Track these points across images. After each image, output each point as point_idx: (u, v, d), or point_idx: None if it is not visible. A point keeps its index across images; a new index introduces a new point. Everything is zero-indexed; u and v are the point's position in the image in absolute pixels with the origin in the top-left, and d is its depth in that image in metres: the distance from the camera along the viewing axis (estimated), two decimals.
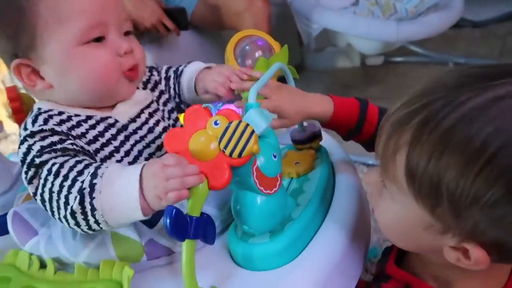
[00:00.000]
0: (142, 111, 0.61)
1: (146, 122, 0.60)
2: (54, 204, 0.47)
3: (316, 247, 0.50)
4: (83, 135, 0.55)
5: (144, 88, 0.65)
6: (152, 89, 0.66)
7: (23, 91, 0.76)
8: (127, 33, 0.57)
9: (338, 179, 0.60)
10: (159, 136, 0.60)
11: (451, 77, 0.40)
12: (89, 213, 0.45)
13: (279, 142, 0.51)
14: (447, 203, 0.37)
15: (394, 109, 0.42)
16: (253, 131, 0.43)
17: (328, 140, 0.71)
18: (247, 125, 0.43)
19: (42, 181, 0.48)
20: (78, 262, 0.52)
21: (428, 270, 0.49)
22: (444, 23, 1.51)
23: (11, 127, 1.03)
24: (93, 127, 0.56)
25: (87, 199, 0.45)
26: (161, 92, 0.67)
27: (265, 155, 0.47)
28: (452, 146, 0.36)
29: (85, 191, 0.45)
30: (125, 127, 0.58)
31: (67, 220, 0.47)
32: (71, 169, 0.47)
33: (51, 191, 0.47)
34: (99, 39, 0.54)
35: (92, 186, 0.45)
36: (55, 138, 0.51)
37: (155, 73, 0.68)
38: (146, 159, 0.59)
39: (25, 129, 0.53)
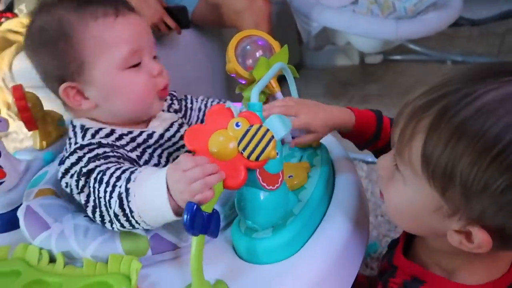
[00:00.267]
0: (172, 124, 0.69)
1: (178, 130, 0.68)
2: (103, 208, 0.50)
3: (317, 241, 0.51)
4: (127, 144, 0.62)
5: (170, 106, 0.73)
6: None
7: (27, 89, 0.78)
8: (155, 57, 0.64)
9: (338, 175, 0.62)
10: None
11: (473, 70, 0.43)
12: (129, 215, 0.48)
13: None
14: (459, 187, 0.39)
15: (413, 97, 0.44)
16: (272, 137, 0.44)
17: (328, 138, 0.72)
18: (267, 130, 0.44)
19: (91, 189, 0.52)
20: (86, 256, 0.53)
21: (433, 259, 0.51)
22: (443, 21, 1.52)
23: (11, 125, 1.05)
24: (133, 139, 0.63)
25: (125, 202, 0.48)
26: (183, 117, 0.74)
27: None
28: (468, 135, 0.38)
29: (122, 196, 0.48)
30: (161, 136, 0.66)
31: (113, 223, 0.50)
32: (111, 175, 0.51)
33: (98, 198, 0.51)
34: (136, 64, 0.60)
35: (127, 190, 0.48)
36: (101, 150, 0.56)
37: (175, 101, 0.75)
38: None
39: (76, 143, 0.59)
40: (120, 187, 0.49)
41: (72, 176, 0.56)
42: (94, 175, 0.52)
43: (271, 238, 0.50)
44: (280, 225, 0.51)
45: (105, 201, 0.50)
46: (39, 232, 0.57)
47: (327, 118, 0.61)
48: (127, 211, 0.48)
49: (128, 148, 0.62)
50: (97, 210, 0.52)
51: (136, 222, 0.48)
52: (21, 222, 0.59)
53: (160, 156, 0.65)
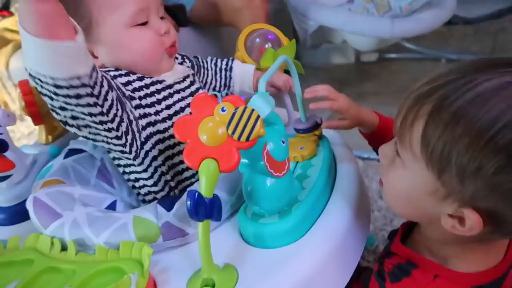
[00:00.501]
0: (184, 79, 0.70)
1: (188, 87, 0.70)
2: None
3: (321, 226, 0.53)
4: (130, 83, 0.63)
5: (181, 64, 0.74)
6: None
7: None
8: (162, 18, 0.65)
9: (339, 164, 0.64)
10: None
11: (474, 62, 0.45)
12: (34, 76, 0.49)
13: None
14: (454, 169, 0.42)
15: (417, 86, 0.46)
16: (258, 116, 0.45)
17: (330, 132, 0.75)
18: (253, 110, 0.45)
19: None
20: (99, 243, 0.55)
21: (428, 247, 0.53)
22: (437, 20, 1.55)
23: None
24: (140, 79, 0.64)
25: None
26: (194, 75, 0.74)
27: (274, 141, 0.50)
28: (465, 120, 0.41)
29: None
30: (170, 86, 0.67)
31: (54, 106, 0.52)
32: None
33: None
34: (144, 23, 0.62)
35: None
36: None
37: (186, 60, 0.76)
38: None
39: None
40: None
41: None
42: None
43: (277, 223, 0.52)
44: (286, 211, 0.53)
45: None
46: (50, 221, 0.58)
47: (360, 111, 0.66)
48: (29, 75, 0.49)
49: (134, 85, 0.63)
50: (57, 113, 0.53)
51: (40, 80, 0.48)
52: (31, 213, 0.60)
53: (169, 107, 0.66)
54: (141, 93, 0.64)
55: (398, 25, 1.51)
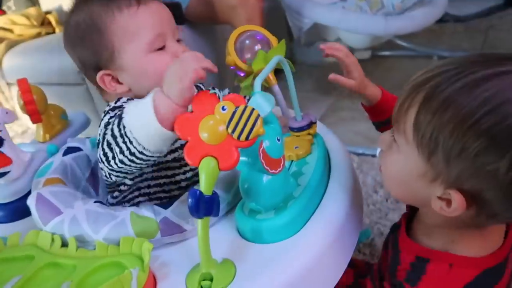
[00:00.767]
0: None
1: None
2: (109, 141, 0.55)
3: (316, 222, 0.55)
4: None
5: None
6: None
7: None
8: (178, 41, 0.68)
9: (333, 161, 0.66)
10: None
11: (471, 56, 0.48)
12: (123, 132, 0.52)
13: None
14: (441, 151, 0.45)
15: (415, 77, 0.50)
16: (258, 115, 0.46)
17: (322, 127, 0.76)
18: (253, 109, 0.46)
19: (106, 136, 0.56)
20: (98, 239, 0.56)
21: (429, 235, 0.56)
22: (429, 18, 1.57)
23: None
24: None
25: (121, 121, 0.53)
26: None
27: (270, 139, 0.51)
28: (454, 106, 0.44)
29: (121, 115, 0.54)
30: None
31: (115, 156, 0.55)
32: (116, 118, 0.56)
33: (107, 137, 0.56)
34: (161, 48, 0.65)
35: (123, 111, 0.55)
36: None
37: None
38: None
39: (109, 105, 0.65)
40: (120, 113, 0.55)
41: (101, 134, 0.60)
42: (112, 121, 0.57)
43: (274, 219, 0.53)
44: (281, 207, 0.54)
45: (109, 130, 0.55)
46: (51, 217, 0.59)
47: (365, 79, 0.69)
48: (121, 127, 0.53)
49: None
50: (105, 150, 0.56)
51: (130, 141, 0.52)
52: (33, 209, 0.61)
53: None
54: None
55: (391, 23, 1.54)
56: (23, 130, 2.24)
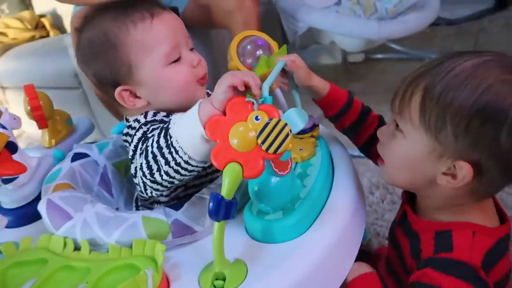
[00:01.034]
0: None
1: None
2: (153, 154, 0.57)
3: (323, 221, 0.57)
4: None
5: None
6: None
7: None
8: (191, 49, 0.68)
9: (336, 162, 0.68)
10: None
11: (459, 51, 0.56)
12: (169, 143, 0.54)
13: None
14: (450, 128, 0.52)
15: (414, 70, 0.56)
16: (290, 131, 0.46)
17: (325, 130, 0.78)
18: (286, 124, 0.46)
19: (150, 148, 0.57)
20: (111, 242, 0.58)
21: (434, 218, 0.60)
22: (422, 22, 1.60)
23: None
24: None
25: (168, 132, 0.55)
26: None
27: None
28: (455, 89, 0.51)
29: (167, 127, 0.56)
30: None
31: (160, 168, 0.56)
32: (161, 130, 0.58)
33: (151, 146, 0.57)
34: (177, 59, 0.65)
35: (169, 121, 0.57)
36: (162, 124, 0.63)
37: None
38: None
39: (138, 121, 0.66)
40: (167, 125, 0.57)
41: (137, 148, 0.61)
42: (154, 135, 0.59)
43: (283, 219, 0.55)
44: (289, 208, 0.56)
45: (154, 142, 0.56)
46: (62, 222, 0.61)
47: (311, 73, 0.71)
48: (168, 137, 0.54)
49: None
50: (149, 162, 0.57)
51: (176, 151, 0.53)
52: (44, 214, 0.62)
53: None
54: None
55: (385, 27, 1.56)
56: (18, 134, 2.23)
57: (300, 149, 0.67)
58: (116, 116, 1.47)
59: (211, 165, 0.68)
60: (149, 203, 0.73)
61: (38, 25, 2.53)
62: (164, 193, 0.69)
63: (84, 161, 0.76)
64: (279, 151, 0.47)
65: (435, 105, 0.52)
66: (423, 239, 0.59)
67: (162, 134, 0.56)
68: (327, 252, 0.54)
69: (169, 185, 0.61)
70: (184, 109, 0.67)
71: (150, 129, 0.63)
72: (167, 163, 0.55)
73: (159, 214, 0.59)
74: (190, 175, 0.58)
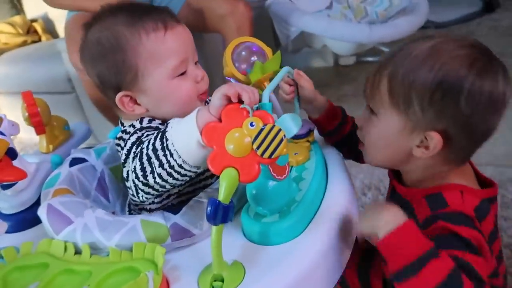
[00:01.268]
0: None
1: None
2: (148, 156, 0.58)
3: (318, 223, 0.59)
4: None
5: None
6: None
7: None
8: (196, 63, 0.69)
9: (330, 165, 0.70)
10: None
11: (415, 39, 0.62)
12: (165, 145, 0.55)
13: None
14: (416, 104, 0.57)
15: (379, 61, 0.63)
16: (284, 136, 0.48)
17: (318, 135, 0.80)
18: (280, 130, 0.48)
19: (144, 150, 0.58)
20: (111, 246, 0.59)
21: (423, 184, 0.63)
22: (412, 26, 1.63)
23: None
24: None
25: (164, 135, 0.56)
26: None
27: None
28: (417, 68, 0.57)
29: (164, 130, 0.57)
30: None
31: (154, 171, 0.57)
32: (158, 133, 0.59)
33: (147, 148, 0.58)
34: (183, 73, 0.66)
35: (167, 125, 0.58)
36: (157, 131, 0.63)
37: None
38: None
39: (134, 127, 0.67)
40: (163, 131, 0.58)
41: (130, 152, 0.62)
42: (147, 139, 0.60)
43: (279, 222, 0.56)
44: (285, 211, 0.58)
45: (150, 144, 0.57)
46: (63, 227, 0.62)
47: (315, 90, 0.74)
48: (164, 140, 0.55)
49: None
50: (143, 164, 0.58)
51: (171, 154, 0.55)
52: (44, 219, 0.63)
53: None
54: None
55: (376, 31, 1.59)
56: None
57: (295, 153, 0.69)
58: (112, 121, 1.48)
59: (205, 171, 0.71)
60: (139, 209, 0.73)
61: (29, 30, 2.53)
62: (156, 200, 0.70)
63: (82, 166, 0.77)
64: (274, 156, 0.48)
65: (400, 86, 0.58)
66: (415, 205, 0.61)
67: (159, 137, 0.57)
68: (322, 252, 0.56)
69: (160, 189, 0.61)
70: None
71: (145, 134, 0.64)
72: (161, 165, 0.56)
73: (158, 218, 0.60)
74: (182, 180, 0.59)
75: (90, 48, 0.67)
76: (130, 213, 0.76)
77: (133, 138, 0.64)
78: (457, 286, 0.47)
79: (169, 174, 0.57)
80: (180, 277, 0.56)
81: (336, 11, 1.85)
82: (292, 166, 0.68)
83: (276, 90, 0.71)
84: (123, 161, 0.65)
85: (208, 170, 0.50)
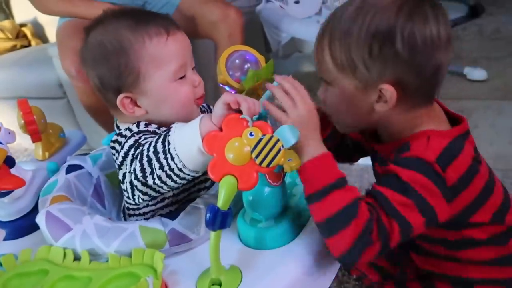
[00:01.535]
0: None
1: None
2: (148, 157, 0.59)
3: (311, 228, 0.61)
4: None
5: None
6: None
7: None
8: (193, 68, 0.72)
9: None
10: None
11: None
12: (166, 149, 0.57)
13: None
14: (359, 63, 0.59)
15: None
16: (282, 146, 0.50)
17: None
18: (278, 140, 0.50)
19: (145, 152, 0.60)
20: (110, 252, 0.60)
21: (398, 134, 0.65)
22: None
23: None
24: None
25: (166, 138, 0.58)
26: None
27: None
28: (350, 27, 0.59)
29: (166, 133, 0.59)
30: None
31: (154, 172, 0.58)
32: (159, 136, 0.60)
33: (147, 150, 0.59)
34: (182, 77, 0.68)
35: (169, 129, 0.59)
36: (154, 135, 0.66)
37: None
38: None
39: (130, 130, 0.68)
40: (164, 135, 0.59)
41: (128, 154, 0.64)
42: (147, 143, 0.61)
43: (274, 227, 0.59)
44: (280, 216, 0.60)
45: (151, 147, 0.59)
46: (62, 234, 0.63)
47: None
48: (166, 143, 0.57)
49: None
50: (143, 165, 0.59)
51: (172, 157, 0.56)
52: (43, 226, 0.65)
53: None
54: None
55: None
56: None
57: (289, 160, 0.70)
58: (104, 127, 1.48)
59: (199, 176, 0.72)
60: (133, 213, 0.74)
61: (19, 35, 2.51)
62: (150, 203, 0.71)
63: (78, 172, 0.78)
64: (271, 165, 0.50)
65: (340, 50, 0.60)
66: (386, 159, 0.63)
67: (160, 140, 0.59)
68: (315, 256, 0.58)
69: (157, 189, 0.62)
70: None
71: (143, 138, 0.65)
72: (161, 167, 0.58)
73: (156, 224, 0.62)
74: (180, 183, 0.60)
75: (91, 50, 0.69)
76: (125, 219, 0.78)
77: (130, 141, 0.65)
78: (351, 215, 0.54)
79: (169, 176, 0.58)
80: (179, 282, 0.58)
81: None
82: (286, 172, 0.69)
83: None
84: (119, 163, 0.66)
85: (203, 174, 0.52)
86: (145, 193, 0.63)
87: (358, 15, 0.59)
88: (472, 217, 0.63)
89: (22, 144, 1.95)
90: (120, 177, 0.67)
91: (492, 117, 1.61)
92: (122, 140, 0.67)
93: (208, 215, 0.49)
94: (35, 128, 0.80)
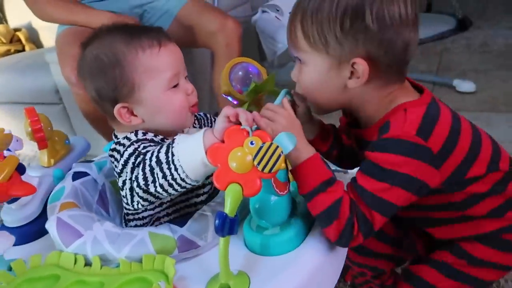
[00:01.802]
0: None
1: None
2: (151, 166, 0.61)
3: (315, 235, 0.64)
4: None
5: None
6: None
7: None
8: (185, 77, 0.74)
9: None
10: None
11: None
12: (170, 159, 0.59)
13: None
14: (331, 39, 0.61)
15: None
16: (282, 152, 0.53)
17: None
18: (277, 147, 0.53)
19: (148, 161, 0.62)
20: (121, 257, 0.62)
21: (376, 113, 0.67)
22: None
23: None
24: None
25: (170, 149, 0.60)
26: None
27: None
28: (318, 4, 0.61)
29: (169, 144, 0.61)
30: None
31: (156, 180, 0.61)
32: (161, 147, 0.62)
33: (150, 159, 0.62)
34: (175, 85, 0.71)
35: (173, 141, 0.61)
36: (153, 144, 0.69)
37: (195, 121, 0.84)
38: None
39: (129, 139, 0.70)
40: (170, 142, 0.61)
41: (128, 163, 0.66)
42: (149, 152, 0.63)
43: (281, 234, 0.61)
44: (286, 223, 0.63)
45: (153, 157, 0.61)
46: (73, 240, 0.64)
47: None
48: (169, 154, 0.59)
49: None
50: (148, 173, 0.61)
51: (175, 168, 0.59)
52: (53, 232, 0.66)
53: None
54: None
55: None
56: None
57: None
58: (102, 134, 1.49)
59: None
60: (132, 218, 0.76)
61: (13, 39, 2.51)
62: (149, 207, 0.73)
63: (84, 179, 0.80)
64: (273, 170, 0.53)
65: (312, 27, 0.61)
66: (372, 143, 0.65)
67: (163, 151, 0.61)
68: (320, 261, 0.61)
69: (157, 195, 0.65)
70: (172, 133, 0.73)
71: (141, 146, 0.68)
72: (164, 177, 0.60)
73: (165, 231, 0.64)
74: (180, 191, 0.63)
75: (88, 64, 0.72)
76: (126, 225, 0.79)
77: (130, 150, 0.67)
78: (333, 216, 0.60)
79: (170, 185, 0.61)
80: (188, 287, 0.60)
81: None
82: (291, 182, 0.72)
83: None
84: (119, 171, 0.68)
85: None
86: (145, 200, 0.66)
87: None
88: (467, 174, 0.66)
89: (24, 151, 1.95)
90: (120, 184, 0.69)
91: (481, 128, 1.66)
92: (121, 148, 0.70)
93: (217, 221, 0.52)
94: (42, 135, 0.81)
